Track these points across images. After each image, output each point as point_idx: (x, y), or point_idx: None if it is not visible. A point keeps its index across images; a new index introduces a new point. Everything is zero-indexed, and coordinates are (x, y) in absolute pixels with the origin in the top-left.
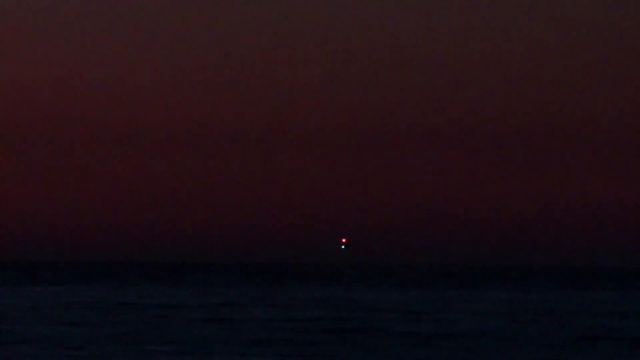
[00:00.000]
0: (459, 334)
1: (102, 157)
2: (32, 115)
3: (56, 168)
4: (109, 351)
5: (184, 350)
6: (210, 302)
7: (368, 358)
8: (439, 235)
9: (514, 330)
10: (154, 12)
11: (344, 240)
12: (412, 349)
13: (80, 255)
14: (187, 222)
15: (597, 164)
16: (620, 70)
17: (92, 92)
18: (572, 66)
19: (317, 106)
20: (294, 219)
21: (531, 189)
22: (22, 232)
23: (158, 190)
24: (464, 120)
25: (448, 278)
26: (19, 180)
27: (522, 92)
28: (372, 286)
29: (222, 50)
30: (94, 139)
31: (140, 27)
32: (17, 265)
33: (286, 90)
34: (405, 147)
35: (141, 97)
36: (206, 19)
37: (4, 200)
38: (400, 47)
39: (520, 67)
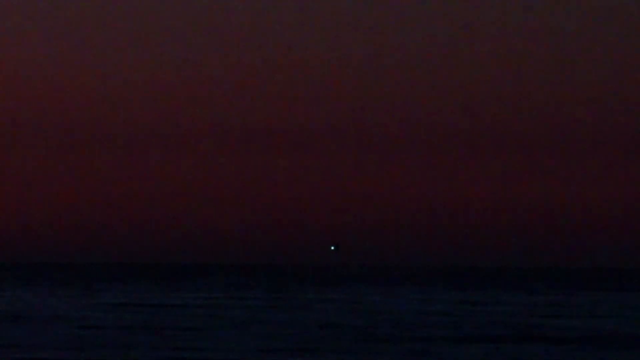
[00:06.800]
0: None
1: (100, 156)
2: (32, 115)
3: (54, 168)
4: None
5: None
6: None
7: None
8: (440, 235)
9: None
10: (154, 12)
11: (332, 247)
12: None
13: (84, 256)
14: (186, 222)
15: (596, 164)
16: (620, 71)
17: (92, 92)
18: (573, 66)
19: (317, 107)
20: (292, 220)
21: (531, 189)
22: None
23: (155, 191)
24: (464, 120)
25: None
26: (18, 180)
27: (522, 93)
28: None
29: (221, 51)
30: (93, 139)
31: (140, 27)
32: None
33: (285, 91)
34: (405, 147)
35: (141, 98)
36: (206, 20)
37: (4, 200)
38: (399, 47)
39: (520, 67)
